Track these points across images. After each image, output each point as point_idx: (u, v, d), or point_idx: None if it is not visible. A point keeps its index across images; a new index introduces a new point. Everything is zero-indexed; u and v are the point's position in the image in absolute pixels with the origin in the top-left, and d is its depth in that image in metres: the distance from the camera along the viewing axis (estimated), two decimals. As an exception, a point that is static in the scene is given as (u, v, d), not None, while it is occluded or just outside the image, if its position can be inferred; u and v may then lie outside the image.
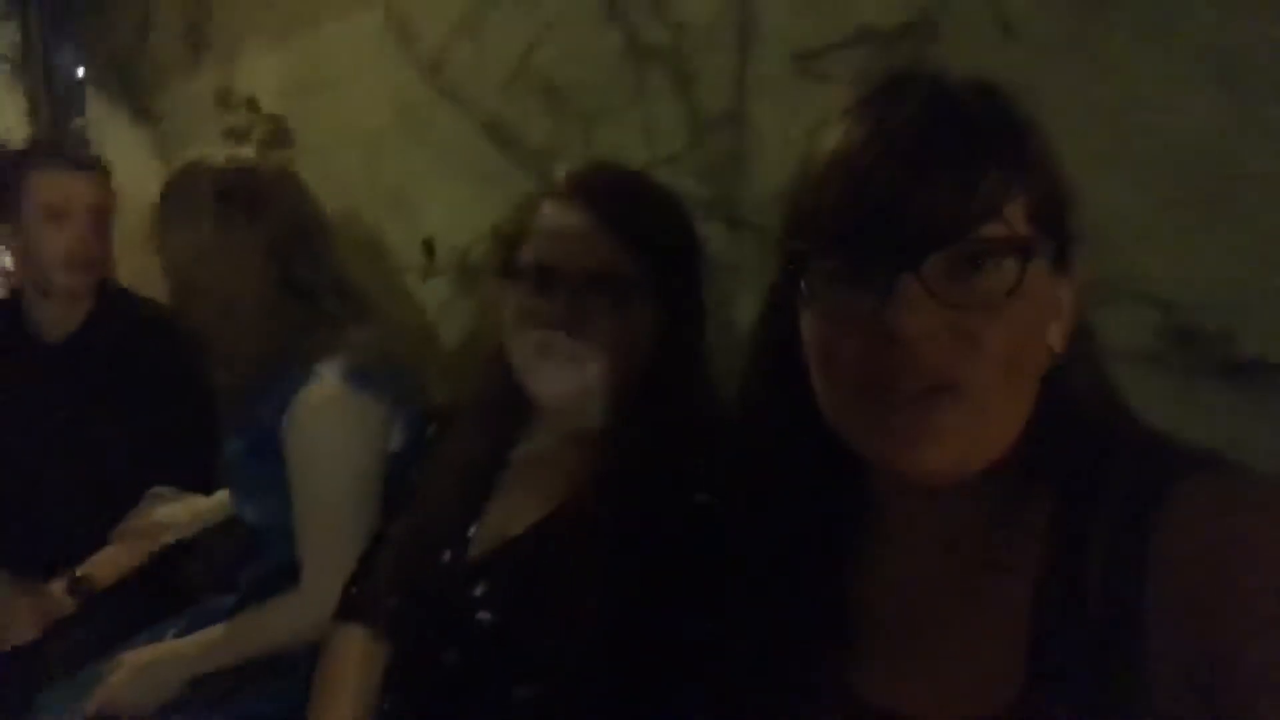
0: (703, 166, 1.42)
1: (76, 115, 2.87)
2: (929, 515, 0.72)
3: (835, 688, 0.73)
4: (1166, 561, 0.58)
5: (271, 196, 1.48)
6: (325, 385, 1.38)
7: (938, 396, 0.62)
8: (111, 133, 2.72)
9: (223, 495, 1.75)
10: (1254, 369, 0.98)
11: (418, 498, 1.21)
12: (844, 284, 0.65)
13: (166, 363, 1.83)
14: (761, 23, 1.33)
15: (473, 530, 1.12)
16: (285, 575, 1.42)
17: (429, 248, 1.87)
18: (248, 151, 1.64)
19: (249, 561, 1.58)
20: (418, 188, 1.90)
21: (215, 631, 1.43)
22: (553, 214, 1.08)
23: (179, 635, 1.51)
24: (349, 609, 1.26)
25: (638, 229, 1.06)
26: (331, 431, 1.38)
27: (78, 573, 1.70)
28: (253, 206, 1.45)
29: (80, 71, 2.86)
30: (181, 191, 1.47)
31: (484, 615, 1.04)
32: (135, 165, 2.44)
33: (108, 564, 1.73)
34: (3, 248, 2.12)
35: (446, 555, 1.11)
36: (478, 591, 1.05)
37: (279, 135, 2.17)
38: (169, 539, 1.74)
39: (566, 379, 1.06)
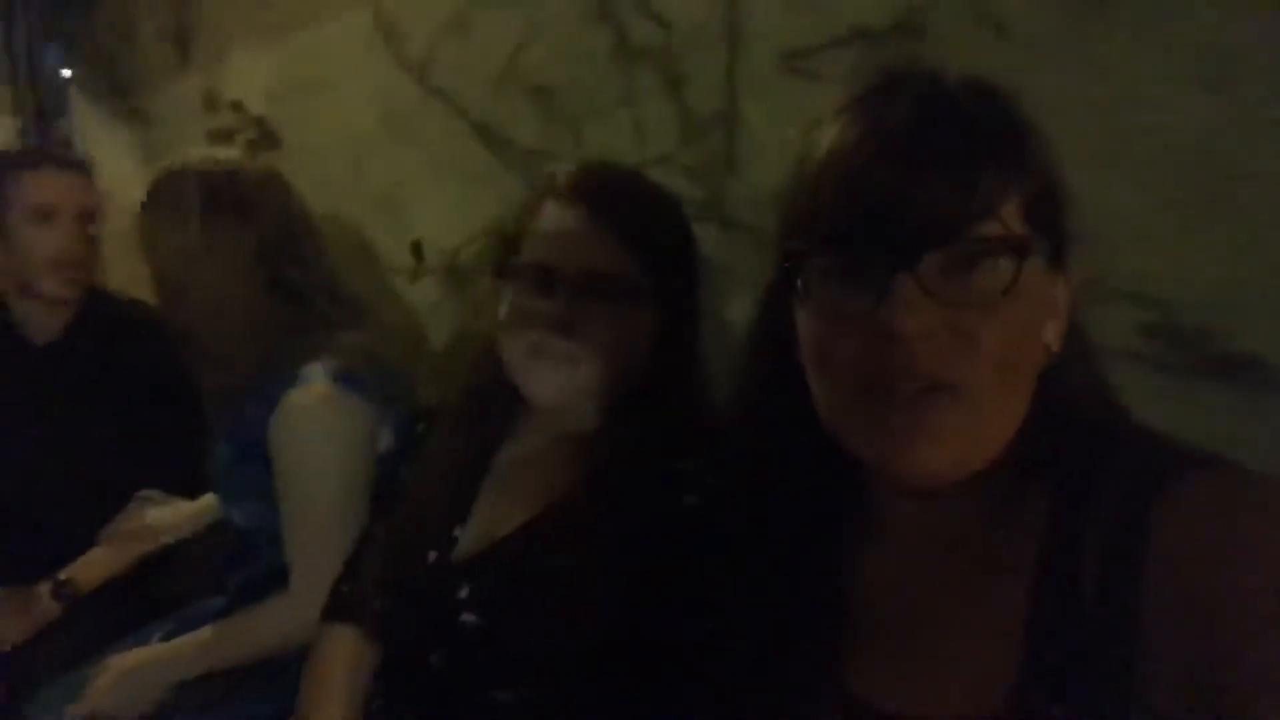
0: (693, 166, 1.42)
1: (61, 116, 2.85)
2: (925, 515, 0.72)
3: (832, 687, 0.73)
4: (1163, 560, 0.58)
5: (259, 198, 1.47)
6: (313, 387, 1.37)
7: (934, 397, 0.62)
8: (97, 134, 2.71)
9: (210, 499, 1.74)
10: (1249, 368, 0.98)
11: (405, 498, 1.21)
12: (840, 283, 0.65)
13: (154, 366, 1.82)
14: (751, 22, 1.33)
15: (459, 531, 1.12)
16: (273, 578, 1.41)
17: (418, 249, 1.86)
18: (234, 153, 1.62)
19: (237, 565, 1.57)
20: (407, 189, 1.89)
21: (203, 635, 1.42)
22: (552, 214, 1.07)
23: (166, 639, 1.50)
24: (337, 609, 1.26)
25: (637, 230, 1.06)
26: (319, 433, 1.37)
27: (62, 576, 1.69)
28: (240, 208, 1.44)
29: (66, 72, 2.85)
30: (168, 194, 1.46)
31: (469, 617, 1.03)
32: (121, 167, 2.43)
33: (93, 567, 1.71)
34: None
35: (432, 556, 1.11)
36: (463, 593, 1.04)
37: (266, 137, 2.16)
38: (156, 543, 1.73)
39: (561, 380, 1.06)
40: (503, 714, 1.01)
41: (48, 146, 2.38)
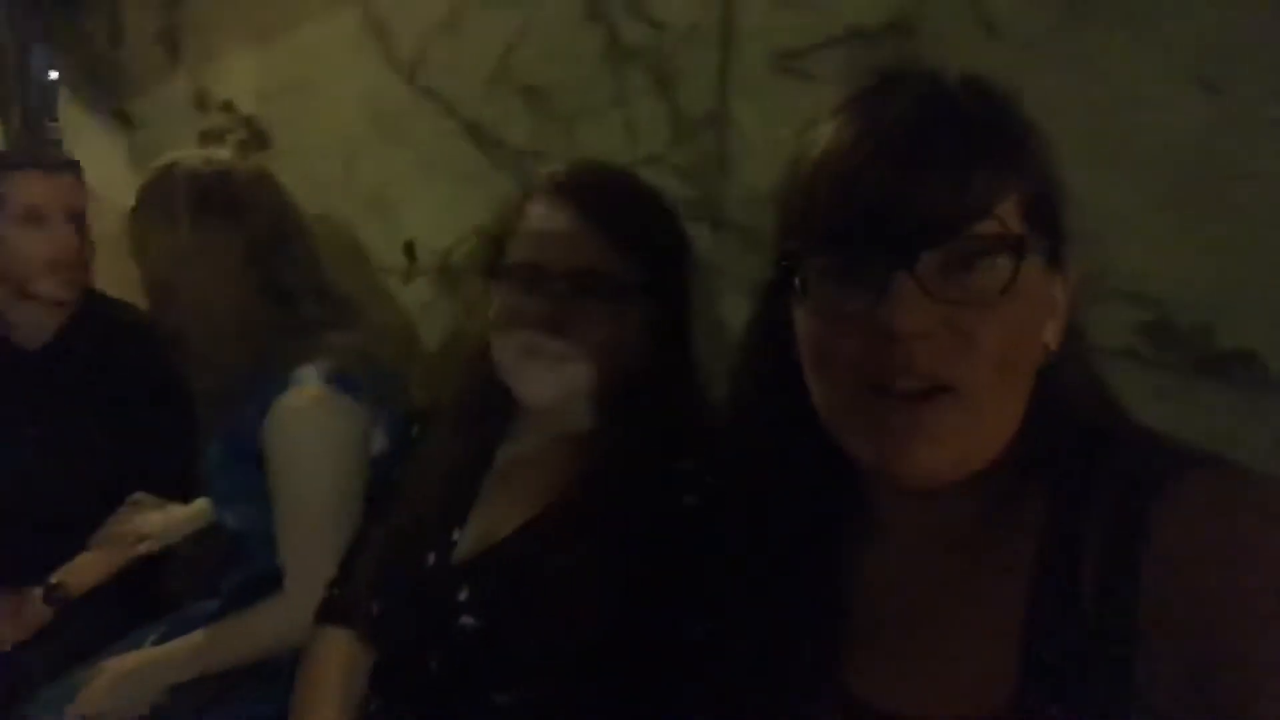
0: (685, 166, 1.42)
1: (49, 118, 2.83)
2: (924, 514, 0.72)
3: (832, 687, 0.73)
4: (1162, 560, 0.58)
5: (250, 199, 1.47)
6: (306, 389, 1.37)
7: (933, 396, 0.62)
8: (85, 136, 2.69)
9: (203, 503, 1.73)
10: (1247, 367, 0.98)
11: (401, 500, 1.20)
12: (838, 282, 0.65)
13: (145, 369, 1.81)
14: (743, 22, 1.33)
15: (457, 534, 1.12)
16: (267, 581, 1.40)
17: (410, 250, 1.86)
18: (225, 153, 1.62)
19: (230, 568, 1.56)
20: (397, 189, 1.89)
21: (197, 638, 1.41)
22: (539, 213, 1.07)
23: (159, 642, 1.49)
24: (331, 612, 1.25)
25: (625, 228, 1.05)
26: (313, 435, 1.37)
27: (53, 579, 1.68)
28: (231, 209, 1.44)
29: (53, 74, 2.83)
30: (159, 195, 1.45)
31: (468, 620, 1.03)
32: (109, 169, 2.41)
33: (84, 570, 1.71)
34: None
35: (430, 559, 1.10)
36: (462, 596, 1.04)
37: (256, 137, 2.15)
38: (149, 547, 1.72)
39: (552, 380, 1.05)
40: (502, 716, 1.00)
41: (37, 149, 2.36)
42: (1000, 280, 0.61)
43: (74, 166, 1.87)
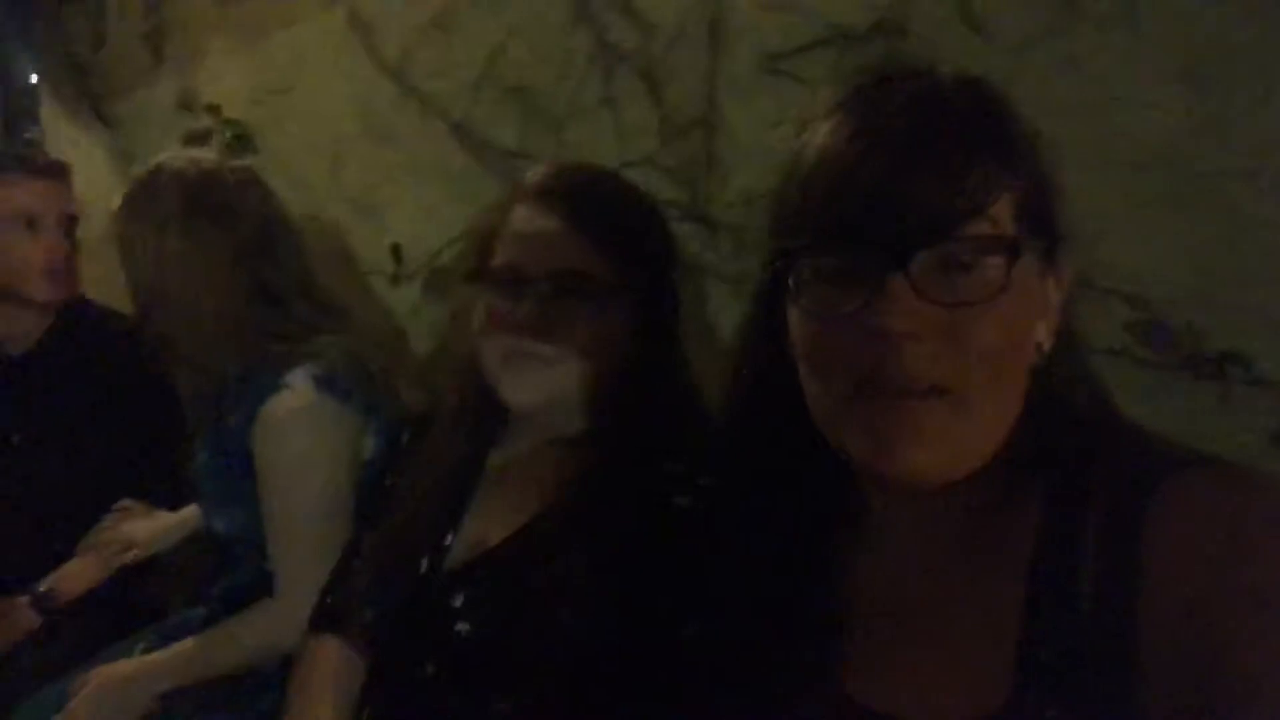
0: (674, 168, 1.42)
1: (31, 122, 2.81)
2: (918, 515, 0.72)
3: (827, 689, 0.73)
4: (1158, 559, 0.58)
5: (238, 201, 1.46)
6: (295, 393, 1.36)
7: (926, 397, 0.62)
8: (68, 140, 2.67)
9: (191, 509, 1.72)
10: (1222, 364, 0.99)
11: (393, 506, 1.20)
12: (831, 283, 0.65)
13: (131, 374, 1.79)
14: (732, 24, 1.34)
15: (450, 539, 1.11)
16: (256, 588, 1.40)
17: (397, 253, 1.85)
18: (212, 155, 1.61)
19: (219, 574, 1.55)
20: (385, 191, 1.88)
21: (186, 645, 1.40)
22: (523, 216, 1.07)
23: (148, 650, 1.48)
24: (323, 619, 1.24)
25: (608, 229, 1.05)
26: (302, 440, 1.36)
27: (42, 587, 1.67)
28: (219, 212, 1.43)
29: (34, 77, 2.80)
30: (146, 198, 1.44)
31: (463, 626, 1.03)
32: (92, 172, 2.39)
33: (73, 578, 1.69)
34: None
35: (424, 565, 1.10)
36: (456, 602, 1.04)
37: (242, 140, 2.14)
38: (136, 554, 1.71)
39: (538, 384, 1.05)
40: (499, 723, 1.00)
41: (26, 152, 2.33)
42: (994, 281, 0.61)
43: (64, 170, 1.85)
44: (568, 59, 1.52)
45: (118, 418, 1.82)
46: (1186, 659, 0.56)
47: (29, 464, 1.79)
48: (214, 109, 2.19)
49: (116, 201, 1.48)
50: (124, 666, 1.42)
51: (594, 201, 1.07)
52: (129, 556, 1.71)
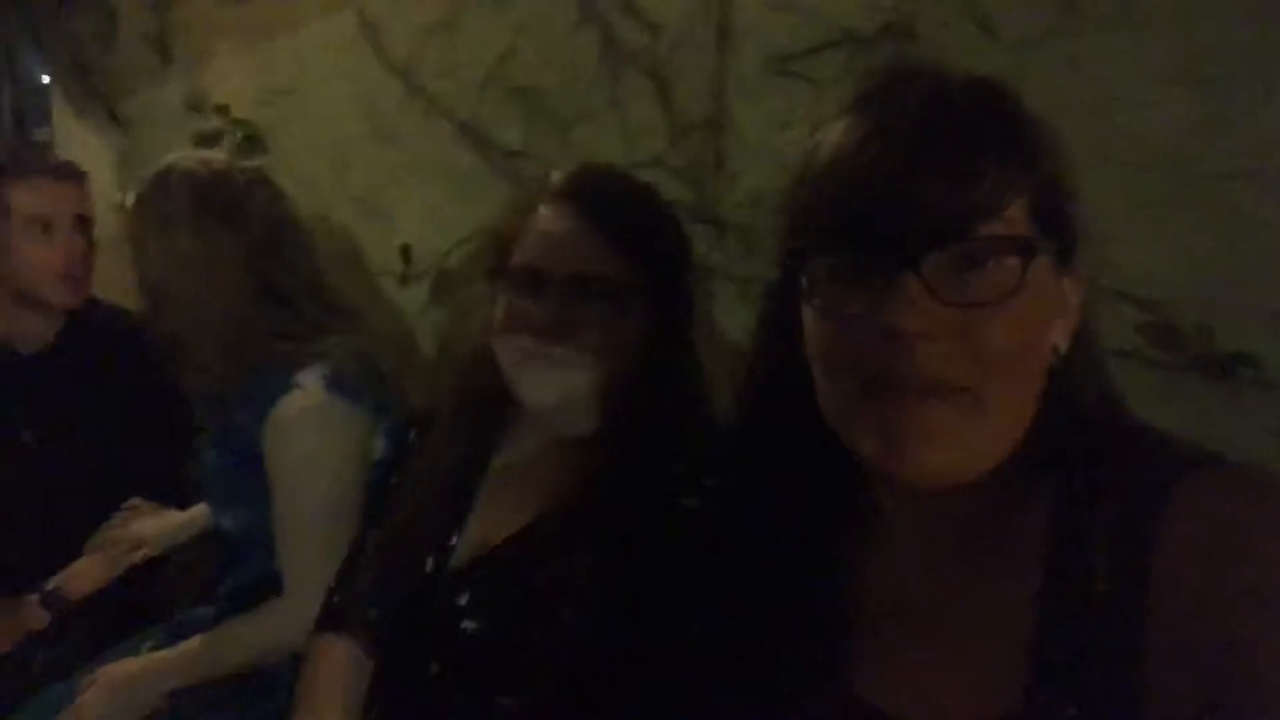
0: (682, 169, 1.42)
1: (42, 123, 2.82)
2: (931, 515, 0.72)
3: (836, 690, 0.72)
4: (1171, 560, 0.58)
5: (248, 202, 1.46)
6: (305, 393, 1.36)
7: (939, 398, 0.62)
8: (78, 141, 2.68)
9: (199, 508, 1.73)
10: (1231, 365, 0.99)
11: (399, 505, 1.20)
12: (844, 283, 0.65)
13: (141, 374, 1.79)
14: (740, 25, 1.33)
15: (456, 538, 1.11)
16: (265, 586, 1.40)
17: (406, 254, 1.85)
18: (222, 155, 1.61)
19: (227, 573, 1.56)
20: (392, 192, 1.89)
21: (194, 644, 1.41)
22: (544, 216, 1.07)
23: (156, 648, 1.48)
24: (330, 618, 1.24)
25: (627, 232, 1.05)
26: (312, 440, 1.36)
27: (50, 585, 1.68)
28: (230, 212, 1.43)
29: (45, 78, 2.82)
30: (157, 198, 1.44)
31: (469, 624, 1.03)
32: (102, 173, 2.40)
33: (82, 576, 1.70)
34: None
35: (430, 564, 1.10)
36: (462, 600, 1.04)
37: (251, 140, 2.14)
38: (145, 553, 1.72)
39: (554, 384, 1.05)
40: (505, 720, 1.00)
41: (42, 154, 2.34)
42: (1007, 281, 0.61)
43: (79, 173, 1.85)
44: (575, 60, 1.52)
45: (127, 417, 1.83)
46: (1196, 660, 0.56)
47: (40, 462, 1.80)
48: (223, 109, 2.20)
49: (129, 200, 1.49)
50: (131, 665, 1.42)
51: (616, 205, 1.07)
52: (138, 555, 1.72)
